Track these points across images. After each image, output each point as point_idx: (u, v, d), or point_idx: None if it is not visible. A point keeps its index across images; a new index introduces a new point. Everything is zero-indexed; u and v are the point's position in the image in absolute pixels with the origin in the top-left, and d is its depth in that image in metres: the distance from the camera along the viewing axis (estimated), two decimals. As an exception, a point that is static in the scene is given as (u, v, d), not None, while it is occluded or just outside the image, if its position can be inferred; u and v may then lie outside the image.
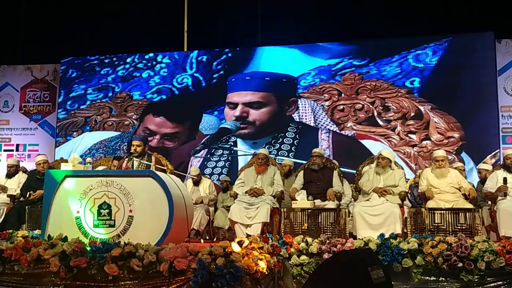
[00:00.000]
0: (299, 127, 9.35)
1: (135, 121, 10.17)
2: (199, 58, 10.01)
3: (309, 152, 6.51)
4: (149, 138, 9.77)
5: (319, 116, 9.29)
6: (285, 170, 7.03)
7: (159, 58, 10.22)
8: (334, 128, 9.21)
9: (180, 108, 9.91)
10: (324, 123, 9.26)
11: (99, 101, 10.38)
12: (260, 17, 9.81)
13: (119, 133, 10.18)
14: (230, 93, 9.67)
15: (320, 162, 6.29)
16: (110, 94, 10.34)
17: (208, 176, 8.62)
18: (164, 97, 10.05)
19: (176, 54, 10.15)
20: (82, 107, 10.40)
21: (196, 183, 7.38)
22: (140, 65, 10.29)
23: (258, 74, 9.65)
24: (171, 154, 9.64)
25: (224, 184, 7.91)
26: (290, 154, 9.02)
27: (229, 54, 9.90)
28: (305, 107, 9.39)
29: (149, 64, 10.23)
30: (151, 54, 10.24)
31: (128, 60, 10.36)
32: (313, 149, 6.48)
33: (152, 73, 10.18)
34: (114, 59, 10.44)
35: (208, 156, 9.56)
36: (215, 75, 9.87)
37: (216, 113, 9.75)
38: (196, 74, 9.95)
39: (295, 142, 9.27)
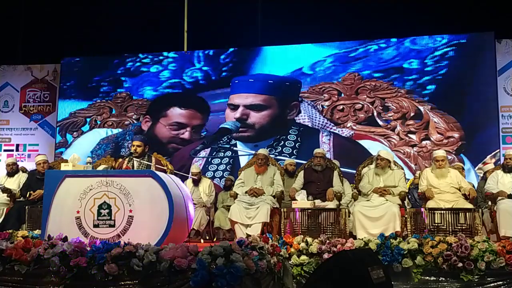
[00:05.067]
0: (301, 129, 9.34)
1: (135, 121, 10.17)
2: (206, 52, 9.99)
3: (310, 154, 6.50)
4: (181, 131, 9.77)
5: (316, 118, 9.29)
6: (291, 169, 7.03)
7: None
8: (332, 128, 9.20)
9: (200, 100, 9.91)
10: (321, 124, 9.25)
11: (99, 101, 10.38)
12: (261, 17, 9.81)
13: (121, 130, 10.20)
14: (232, 95, 9.66)
15: (324, 163, 6.29)
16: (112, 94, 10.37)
17: (208, 177, 8.61)
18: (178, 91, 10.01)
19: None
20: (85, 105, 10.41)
21: (196, 183, 7.37)
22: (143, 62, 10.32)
23: (262, 77, 9.64)
24: (173, 156, 9.65)
25: (228, 183, 7.91)
26: (292, 157, 8.99)
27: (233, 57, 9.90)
28: (305, 109, 9.38)
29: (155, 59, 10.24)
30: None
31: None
32: (315, 150, 6.46)
33: (161, 68, 10.16)
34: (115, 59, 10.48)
35: (210, 158, 9.54)
36: (224, 68, 9.86)
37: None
38: (204, 68, 9.94)
39: (296, 144, 9.26)
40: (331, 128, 9.22)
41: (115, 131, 10.21)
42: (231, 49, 9.88)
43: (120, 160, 6.37)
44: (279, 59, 9.69)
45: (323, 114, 9.31)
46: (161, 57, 10.15)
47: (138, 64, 10.26)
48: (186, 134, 9.78)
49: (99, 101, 10.37)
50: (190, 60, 9.99)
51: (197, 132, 9.78)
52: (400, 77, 9.08)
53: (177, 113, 9.94)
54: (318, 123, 9.29)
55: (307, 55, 9.57)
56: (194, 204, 6.60)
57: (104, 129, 10.26)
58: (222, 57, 9.90)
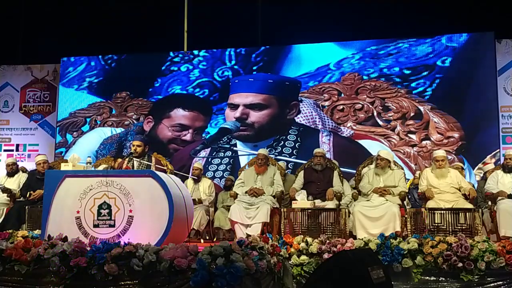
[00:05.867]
0: (300, 129, 9.34)
1: (135, 121, 10.17)
2: (238, 51, 9.92)
3: (310, 154, 6.51)
4: (183, 132, 9.77)
5: (320, 116, 9.28)
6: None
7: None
8: (333, 127, 9.21)
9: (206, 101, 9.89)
10: (326, 122, 9.25)
11: (99, 101, 10.38)
12: (261, 17, 9.80)
13: (123, 129, 10.19)
14: (232, 94, 9.65)
15: (324, 162, 6.30)
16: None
17: (208, 177, 8.60)
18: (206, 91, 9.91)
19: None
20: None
21: (196, 181, 7.36)
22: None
23: (261, 76, 9.62)
24: (173, 156, 9.65)
25: (229, 183, 7.91)
26: (292, 157, 8.99)
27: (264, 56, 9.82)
28: (306, 108, 9.37)
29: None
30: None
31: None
32: (315, 149, 6.47)
33: (191, 67, 10.07)
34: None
35: (210, 158, 9.53)
36: (255, 67, 9.77)
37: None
38: (235, 67, 9.87)
39: (296, 144, 9.26)
40: (332, 128, 9.20)
41: (118, 130, 10.21)
42: (263, 48, 9.80)
43: (120, 160, 6.38)
44: (308, 57, 9.60)
45: (324, 114, 9.30)
46: (191, 56, 10.05)
47: (168, 63, 10.19)
48: (188, 135, 9.77)
49: (99, 101, 10.37)
50: (221, 58, 9.95)
51: (199, 133, 9.77)
52: (401, 77, 9.07)
53: (180, 115, 9.92)
54: (320, 122, 9.27)
55: (334, 53, 9.50)
56: (194, 204, 6.60)
57: (107, 128, 10.26)
58: (253, 55, 9.82)
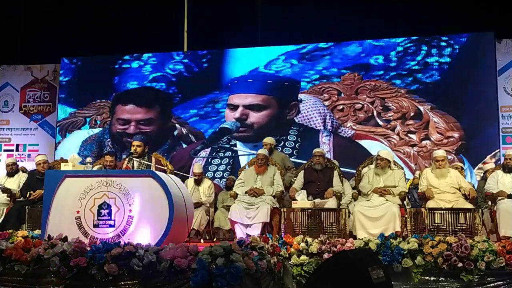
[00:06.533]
0: (300, 129, 9.34)
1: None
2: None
3: (310, 154, 6.50)
4: (126, 126, 10.01)
5: (324, 112, 9.28)
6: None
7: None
8: (335, 124, 9.22)
9: (146, 94, 10.12)
10: (329, 122, 9.25)
11: (99, 101, 10.38)
12: (261, 17, 9.81)
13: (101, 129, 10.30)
14: (232, 95, 9.66)
15: (323, 162, 6.30)
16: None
17: (209, 177, 8.59)
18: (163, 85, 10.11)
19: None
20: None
21: (198, 182, 7.36)
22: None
23: (260, 77, 9.64)
24: (173, 155, 9.66)
25: (231, 183, 7.90)
26: (292, 157, 8.97)
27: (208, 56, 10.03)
28: (307, 107, 9.37)
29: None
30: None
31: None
32: (314, 149, 6.46)
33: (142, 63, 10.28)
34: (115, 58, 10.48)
35: (210, 159, 9.53)
36: (204, 59, 9.99)
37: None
38: (185, 60, 10.08)
39: (296, 145, 9.26)
40: (336, 126, 9.20)
41: (96, 130, 10.27)
42: (186, 52, 10.05)
43: (106, 157, 6.37)
44: (241, 60, 9.82)
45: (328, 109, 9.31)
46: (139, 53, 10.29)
47: (120, 61, 10.36)
48: (131, 128, 10.00)
49: (99, 101, 10.37)
50: (169, 54, 10.15)
51: (146, 125, 9.92)
52: (401, 77, 9.07)
53: (120, 110, 10.14)
54: (322, 120, 9.26)
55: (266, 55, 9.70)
56: (194, 207, 6.60)
57: (84, 130, 10.33)
58: (199, 52, 10.06)
